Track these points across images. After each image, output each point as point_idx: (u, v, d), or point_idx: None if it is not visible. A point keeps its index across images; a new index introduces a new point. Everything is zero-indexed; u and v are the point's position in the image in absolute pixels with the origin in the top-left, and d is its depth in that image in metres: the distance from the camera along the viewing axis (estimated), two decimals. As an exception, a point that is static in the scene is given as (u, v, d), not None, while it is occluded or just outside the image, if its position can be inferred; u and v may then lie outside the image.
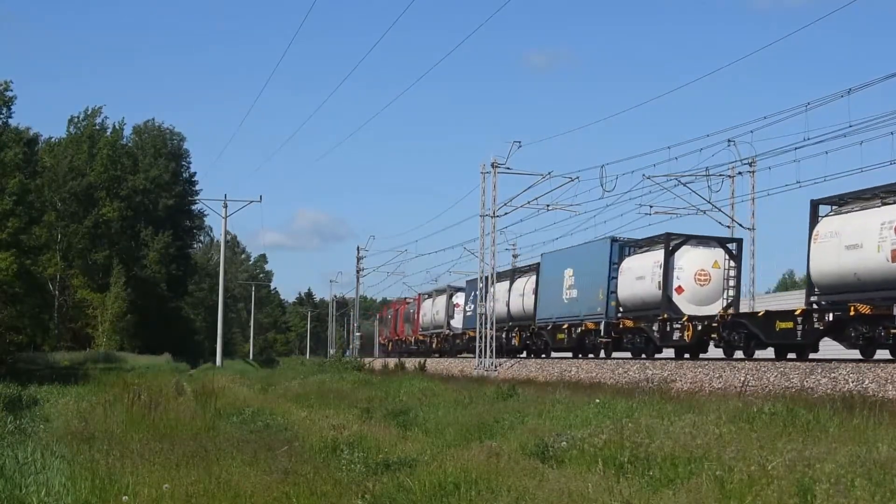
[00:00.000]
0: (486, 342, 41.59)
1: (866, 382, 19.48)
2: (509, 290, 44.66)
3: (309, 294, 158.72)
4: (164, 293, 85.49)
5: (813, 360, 24.20)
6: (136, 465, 10.86)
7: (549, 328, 39.54)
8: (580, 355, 37.66)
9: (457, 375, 37.56)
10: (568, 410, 16.76)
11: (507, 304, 44.46)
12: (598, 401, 17.61)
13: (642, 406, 16.24)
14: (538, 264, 41.92)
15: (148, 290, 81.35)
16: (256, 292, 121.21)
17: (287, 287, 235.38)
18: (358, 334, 77.17)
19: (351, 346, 78.88)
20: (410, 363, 52.00)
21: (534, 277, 42.31)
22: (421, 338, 61.39)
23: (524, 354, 43.88)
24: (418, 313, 62.99)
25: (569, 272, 37.80)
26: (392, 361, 57.84)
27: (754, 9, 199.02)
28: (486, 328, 41.96)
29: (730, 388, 22.21)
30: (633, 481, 10.02)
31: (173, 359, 66.33)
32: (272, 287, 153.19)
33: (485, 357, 41.27)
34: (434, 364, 49.90)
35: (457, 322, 53.80)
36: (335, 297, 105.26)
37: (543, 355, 41.23)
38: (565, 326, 37.73)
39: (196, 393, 25.15)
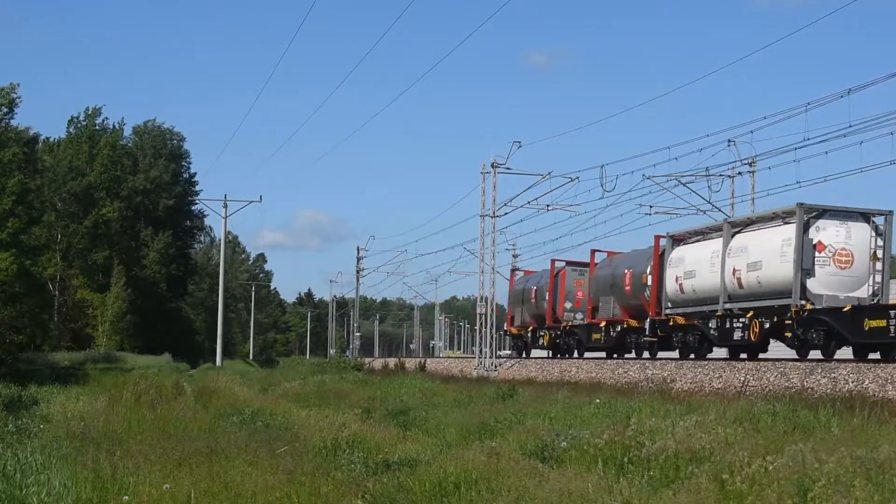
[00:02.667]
0: (486, 341, 41.62)
1: (866, 383, 19.48)
2: None
3: (309, 294, 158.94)
4: (164, 293, 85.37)
5: (813, 360, 24.21)
6: (137, 465, 10.85)
7: None
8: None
9: (456, 376, 37.58)
10: (568, 410, 16.77)
11: None
12: (598, 401, 17.63)
13: (643, 406, 16.24)
14: None
15: (148, 290, 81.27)
16: (256, 292, 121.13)
17: (287, 287, 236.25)
18: (358, 334, 77.16)
19: (351, 346, 78.82)
20: (411, 363, 52.04)
21: None
22: (682, 320, 30.43)
23: None
24: (656, 274, 31.82)
25: None
26: (392, 361, 57.56)
27: (754, 9, 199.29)
28: (485, 326, 42.00)
29: (730, 388, 22.21)
30: (633, 481, 10.02)
31: (173, 359, 66.25)
32: (272, 287, 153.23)
33: (485, 357, 41.29)
34: (434, 364, 49.89)
35: (833, 282, 24.81)
36: (335, 297, 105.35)
37: None
38: None
39: (196, 393, 25.15)
